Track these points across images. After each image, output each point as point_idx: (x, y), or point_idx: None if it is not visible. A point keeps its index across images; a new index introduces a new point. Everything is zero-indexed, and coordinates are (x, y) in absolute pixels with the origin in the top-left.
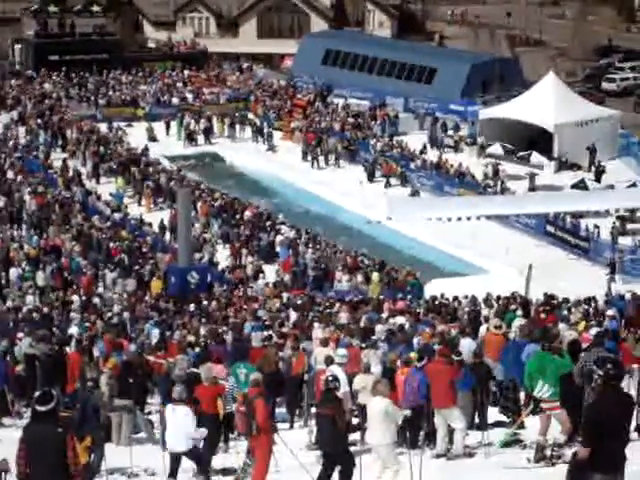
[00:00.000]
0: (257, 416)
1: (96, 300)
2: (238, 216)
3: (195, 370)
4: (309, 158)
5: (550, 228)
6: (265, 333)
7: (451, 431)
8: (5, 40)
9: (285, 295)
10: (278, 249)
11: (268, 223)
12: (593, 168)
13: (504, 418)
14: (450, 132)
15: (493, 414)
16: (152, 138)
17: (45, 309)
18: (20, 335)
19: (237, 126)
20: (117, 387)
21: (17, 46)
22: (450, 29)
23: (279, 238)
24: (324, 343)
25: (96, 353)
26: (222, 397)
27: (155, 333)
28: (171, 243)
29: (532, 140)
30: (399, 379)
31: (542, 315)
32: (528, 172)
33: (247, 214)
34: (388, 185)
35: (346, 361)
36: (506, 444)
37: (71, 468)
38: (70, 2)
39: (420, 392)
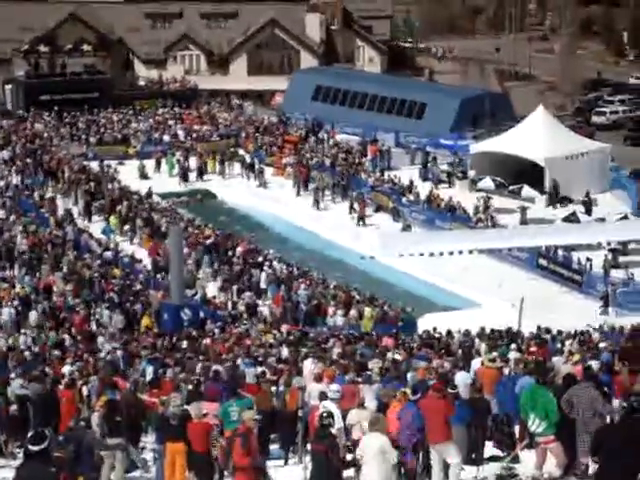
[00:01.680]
0: (234, 454)
1: (101, 339)
2: (230, 252)
3: (188, 407)
4: (302, 193)
5: (542, 261)
6: (259, 369)
7: (446, 466)
8: None
9: (275, 332)
10: (263, 285)
11: (260, 259)
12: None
13: (499, 452)
14: (445, 166)
15: (488, 448)
16: (144, 176)
17: (37, 349)
18: (12, 376)
19: (226, 163)
20: (107, 426)
21: (8, 86)
22: (440, 64)
23: (263, 276)
24: (318, 379)
25: (85, 392)
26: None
27: (149, 371)
28: (160, 279)
29: (523, 174)
30: (391, 414)
31: (532, 348)
32: (519, 206)
33: (239, 250)
34: (362, 224)
35: (339, 397)
36: (501, 478)
37: None
38: (60, 42)
39: (415, 426)
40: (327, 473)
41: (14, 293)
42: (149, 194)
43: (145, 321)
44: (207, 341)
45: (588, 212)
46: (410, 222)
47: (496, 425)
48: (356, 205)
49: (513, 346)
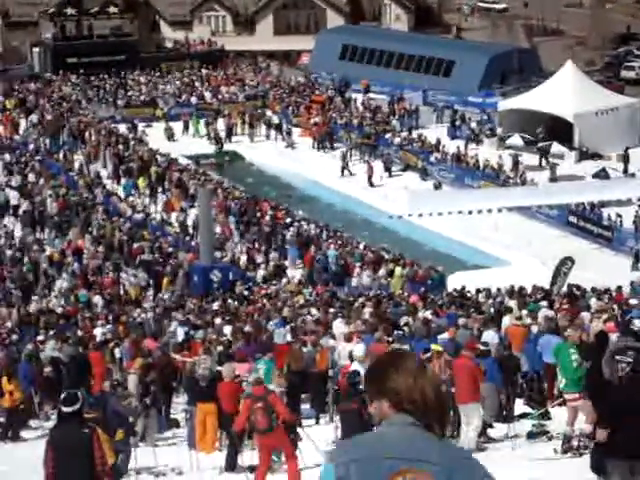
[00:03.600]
0: (280, 410)
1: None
2: (259, 214)
3: (219, 368)
4: (324, 151)
5: (572, 218)
6: (289, 329)
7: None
8: (23, 43)
9: (306, 291)
10: (287, 246)
11: (288, 220)
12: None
13: (529, 410)
14: (473, 124)
15: (519, 406)
16: (171, 138)
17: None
18: (43, 338)
19: (255, 124)
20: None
21: (35, 49)
22: (467, 21)
23: (288, 236)
24: (348, 339)
25: (117, 354)
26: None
27: (180, 332)
28: (189, 240)
29: (552, 130)
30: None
31: (565, 306)
32: (549, 162)
33: (267, 211)
34: (371, 185)
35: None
36: (533, 435)
37: (98, 468)
38: (87, 4)
39: None
40: (358, 430)
41: (44, 257)
42: (197, 160)
43: (165, 281)
44: (236, 303)
45: (626, 169)
46: (439, 180)
47: (526, 382)
48: (366, 167)
49: (544, 303)
